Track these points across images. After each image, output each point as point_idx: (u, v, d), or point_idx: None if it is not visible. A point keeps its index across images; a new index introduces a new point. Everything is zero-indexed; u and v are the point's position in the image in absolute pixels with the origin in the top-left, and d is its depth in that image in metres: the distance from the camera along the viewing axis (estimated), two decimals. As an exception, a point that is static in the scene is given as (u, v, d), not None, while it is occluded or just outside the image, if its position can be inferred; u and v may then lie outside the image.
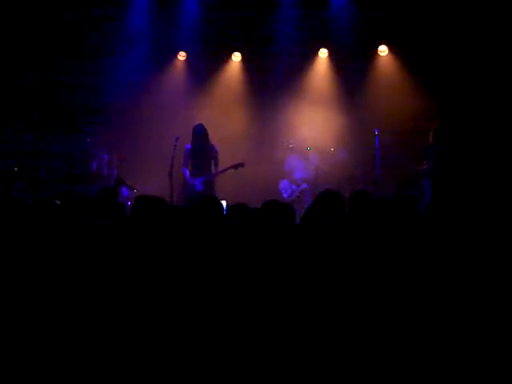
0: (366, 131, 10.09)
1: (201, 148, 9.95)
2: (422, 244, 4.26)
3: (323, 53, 11.32)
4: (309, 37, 10.99)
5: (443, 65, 10.52)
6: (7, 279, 4.10)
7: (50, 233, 4.47)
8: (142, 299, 3.97)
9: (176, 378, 3.76)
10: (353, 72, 10.98)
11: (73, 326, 3.89)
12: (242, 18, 10.90)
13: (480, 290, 3.89)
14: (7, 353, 3.80)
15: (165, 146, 9.92)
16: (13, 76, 10.67)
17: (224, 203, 5.64)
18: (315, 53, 11.32)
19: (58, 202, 4.98)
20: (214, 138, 10.27)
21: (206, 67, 11.25)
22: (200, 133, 9.94)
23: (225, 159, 10.19)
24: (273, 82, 11.11)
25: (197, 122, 10.16)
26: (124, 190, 9.88)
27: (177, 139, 9.67)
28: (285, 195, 10.39)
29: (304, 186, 10.40)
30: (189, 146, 9.98)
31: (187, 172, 10.04)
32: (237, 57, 11.42)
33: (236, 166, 9.94)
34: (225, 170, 9.97)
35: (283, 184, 10.52)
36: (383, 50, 11.13)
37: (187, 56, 11.35)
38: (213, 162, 10.03)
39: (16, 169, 9.79)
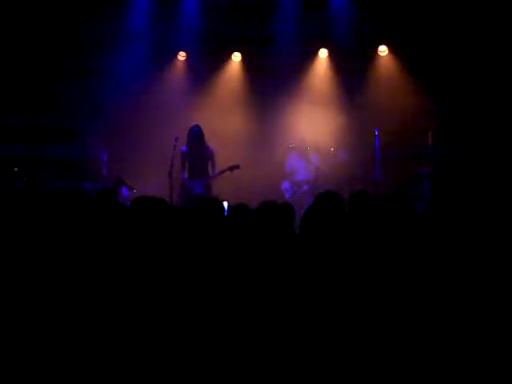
0: (366, 131, 10.10)
1: (196, 149, 9.91)
2: (421, 244, 4.26)
3: (323, 53, 11.31)
4: (309, 37, 10.99)
5: (443, 65, 10.51)
6: (7, 278, 4.10)
7: (50, 233, 4.47)
8: (142, 299, 3.97)
9: (175, 377, 3.76)
10: (353, 72, 10.98)
11: (72, 326, 3.89)
12: (242, 17, 10.90)
13: (479, 289, 3.89)
14: (7, 352, 3.80)
15: (165, 146, 9.92)
16: (13, 76, 10.67)
17: (225, 204, 5.62)
18: (315, 53, 11.32)
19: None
20: (213, 137, 10.27)
21: (206, 67, 11.24)
22: (196, 134, 9.91)
23: (225, 159, 10.18)
24: (273, 82, 11.10)
25: (194, 123, 10.15)
26: (124, 190, 9.88)
27: (177, 139, 9.66)
28: (287, 196, 10.38)
29: (305, 187, 10.39)
30: (184, 148, 9.93)
31: (185, 175, 10.01)
32: (237, 57, 11.42)
33: (231, 168, 9.91)
34: (221, 173, 9.94)
35: (285, 185, 10.50)
36: (383, 50, 11.13)
37: (187, 56, 11.35)
38: (209, 162, 10.01)
39: (16, 169, 9.78)
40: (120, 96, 10.52)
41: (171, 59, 11.32)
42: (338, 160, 10.61)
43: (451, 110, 10.47)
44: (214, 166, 10.02)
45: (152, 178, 10.01)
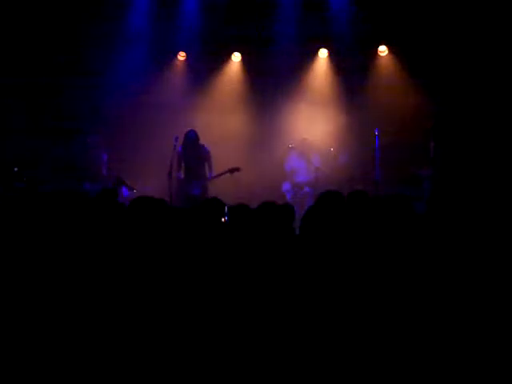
0: (366, 131, 10.09)
1: (192, 152, 9.91)
2: (420, 243, 4.26)
3: (323, 53, 11.31)
4: (309, 37, 10.99)
5: (443, 65, 10.52)
6: (7, 278, 4.10)
7: (50, 233, 4.47)
8: (141, 299, 3.97)
9: (174, 377, 3.77)
10: (353, 72, 10.98)
11: (72, 327, 3.89)
12: (242, 18, 10.90)
13: (479, 289, 3.90)
14: (6, 351, 3.81)
15: (165, 146, 9.92)
16: (13, 76, 10.66)
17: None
18: (315, 53, 11.32)
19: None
20: (213, 138, 10.27)
21: (206, 67, 11.24)
22: (191, 139, 9.92)
23: (224, 160, 10.18)
24: (273, 82, 11.11)
25: (194, 123, 10.16)
26: (124, 190, 9.88)
27: (176, 139, 9.67)
28: (288, 197, 10.37)
29: (306, 189, 10.37)
30: (180, 148, 9.93)
31: (180, 175, 10.00)
32: (237, 57, 11.41)
33: (232, 171, 9.91)
34: (220, 175, 9.94)
35: (285, 187, 10.49)
36: (383, 50, 11.13)
37: (187, 56, 11.34)
38: (206, 163, 10.01)
39: (16, 169, 9.78)
40: (120, 96, 10.52)
41: (171, 59, 11.32)
42: (339, 160, 10.61)
43: (451, 110, 10.48)
44: (210, 167, 10.02)
45: (152, 178, 10.02)
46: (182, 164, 10.00)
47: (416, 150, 10.58)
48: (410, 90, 10.69)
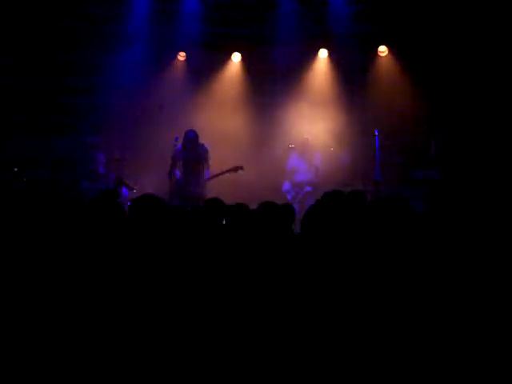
0: (366, 131, 10.10)
1: (191, 152, 9.89)
2: (419, 243, 4.26)
3: (323, 53, 11.31)
4: (309, 37, 10.99)
5: (443, 65, 10.52)
6: (7, 279, 4.10)
7: (50, 233, 4.47)
8: (141, 300, 3.97)
9: (174, 378, 3.77)
10: (353, 72, 10.98)
11: (73, 328, 3.89)
12: (242, 18, 10.91)
13: (478, 288, 3.90)
14: (6, 352, 3.81)
15: (165, 146, 9.92)
16: (12, 75, 10.67)
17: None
18: (315, 53, 11.32)
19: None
20: (213, 137, 10.26)
21: (206, 67, 11.24)
22: (191, 138, 9.89)
23: (224, 159, 10.18)
24: (273, 82, 11.11)
25: (194, 123, 10.15)
26: (124, 190, 9.88)
27: (177, 139, 9.68)
28: (289, 197, 10.37)
29: (307, 188, 10.37)
30: (180, 147, 9.92)
31: (178, 174, 9.98)
32: (237, 57, 11.41)
33: (235, 169, 9.92)
34: (224, 173, 9.94)
35: (286, 187, 10.49)
36: (383, 50, 11.13)
37: (187, 56, 11.34)
38: (204, 163, 10.00)
39: (16, 169, 9.78)
40: (120, 96, 10.51)
41: (171, 59, 11.32)
42: (339, 160, 10.61)
43: (451, 110, 10.48)
44: (208, 166, 10.00)
45: (152, 178, 10.02)
46: (181, 163, 9.97)
47: (416, 150, 10.59)
48: (410, 90, 10.68)
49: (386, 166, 9.74)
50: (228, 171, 9.94)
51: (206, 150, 9.99)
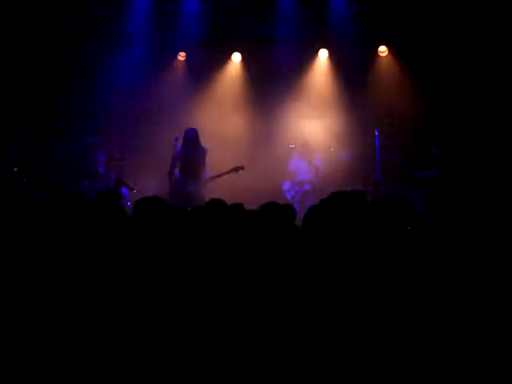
0: (366, 132, 10.10)
1: (191, 152, 9.88)
2: (419, 244, 4.27)
3: (323, 53, 11.31)
4: (309, 37, 10.99)
5: (443, 65, 10.52)
6: (7, 280, 4.10)
7: (50, 234, 4.47)
8: (143, 300, 3.97)
9: (175, 378, 3.77)
10: (353, 72, 10.98)
11: (72, 327, 3.89)
12: (242, 18, 10.91)
13: (478, 288, 3.90)
14: (6, 352, 3.81)
15: (164, 146, 9.92)
16: (12, 75, 10.67)
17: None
18: (315, 53, 11.32)
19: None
20: (213, 137, 10.26)
21: (206, 67, 11.24)
22: (191, 137, 9.88)
23: (225, 159, 10.18)
24: (273, 82, 11.11)
25: (194, 123, 10.15)
26: (124, 190, 9.88)
27: (177, 139, 9.68)
28: (288, 197, 10.38)
29: (307, 187, 10.38)
30: (180, 148, 9.91)
31: (177, 173, 9.97)
32: (237, 57, 11.41)
33: (236, 169, 9.92)
34: (225, 173, 9.93)
35: (286, 186, 10.50)
36: (383, 50, 11.13)
37: (187, 56, 11.34)
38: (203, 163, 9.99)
39: (16, 169, 9.79)
40: (120, 96, 10.52)
41: (171, 59, 11.31)
42: (339, 160, 10.61)
43: (451, 111, 10.49)
44: (205, 166, 9.98)
45: (152, 178, 10.02)
46: (180, 162, 9.95)
47: (416, 150, 10.60)
48: (410, 90, 10.68)
49: (386, 166, 9.74)
50: (229, 172, 9.94)
51: (204, 151, 9.99)
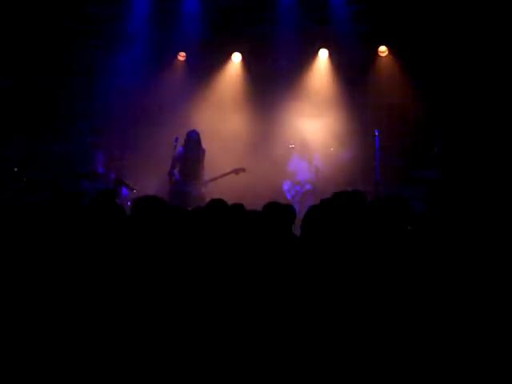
0: (366, 132, 10.10)
1: (192, 153, 9.89)
2: (419, 244, 4.27)
3: (323, 53, 11.31)
4: (309, 37, 10.99)
5: (443, 65, 10.52)
6: (6, 280, 4.09)
7: (50, 235, 4.47)
8: (142, 301, 3.97)
9: (175, 378, 3.77)
10: (353, 72, 10.97)
11: (71, 327, 3.89)
12: (242, 18, 10.91)
13: (478, 289, 3.90)
14: (6, 353, 3.81)
15: (165, 146, 9.92)
16: (12, 75, 10.67)
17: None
18: (315, 53, 11.31)
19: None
20: (213, 137, 10.27)
21: (206, 67, 11.23)
22: (193, 139, 9.89)
23: (225, 159, 10.18)
24: (273, 82, 11.11)
25: (194, 123, 10.16)
26: (124, 190, 9.88)
27: (177, 139, 9.69)
28: (289, 197, 10.38)
29: (308, 187, 10.38)
30: (181, 149, 9.91)
31: (177, 174, 9.96)
32: (237, 57, 11.41)
33: (237, 171, 9.93)
34: (225, 175, 9.94)
35: (286, 185, 10.50)
36: (383, 50, 11.13)
37: (187, 56, 11.34)
38: (202, 163, 9.99)
39: (16, 169, 9.79)
40: (120, 96, 10.52)
41: (171, 59, 11.31)
42: (339, 160, 10.61)
43: (451, 110, 10.49)
44: (203, 167, 9.99)
45: (152, 178, 10.02)
46: (181, 163, 9.96)
47: (416, 150, 10.59)
48: (410, 90, 10.68)
49: (386, 166, 9.74)
50: (230, 173, 9.95)
51: (204, 151, 10.00)
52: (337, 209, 4.55)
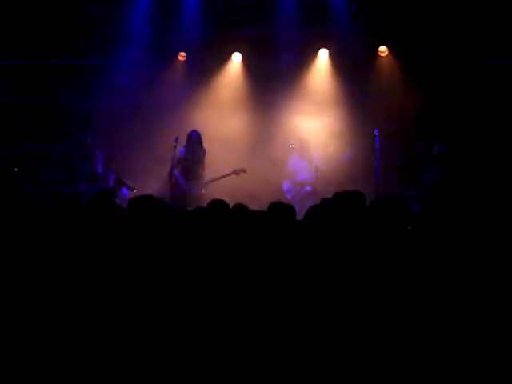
0: (366, 132, 10.09)
1: (193, 153, 9.89)
2: (419, 244, 4.27)
3: (323, 53, 11.30)
4: (309, 37, 10.98)
5: (443, 65, 10.52)
6: (7, 281, 4.09)
7: (49, 235, 4.47)
8: (142, 301, 3.96)
9: (176, 378, 3.77)
10: (353, 72, 10.96)
11: (71, 327, 3.89)
12: (242, 18, 10.90)
13: (478, 289, 3.90)
14: (6, 353, 3.81)
15: (165, 146, 9.92)
16: (12, 75, 10.67)
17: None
18: (315, 53, 11.31)
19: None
20: (213, 137, 10.26)
21: (207, 67, 11.23)
22: (195, 139, 9.90)
23: (225, 159, 10.18)
24: (273, 82, 11.10)
25: (194, 124, 10.15)
26: (124, 190, 9.88)
27: (177, 139, 9.68)
28: (289, 197, 10.37)
29: (307, 188, 10.38)
30: (183, 150, 9.92)
31: (177, 174, 9.95)
32: (237, 57, 11.40)
33: (238, 172, 9.94)
34: (225, 176, 9.94)
35: (286, 186, 10.50)
36: (383, 50, 11.12)
37: (187, 56, 11.33)
38: (203, 163, 9.98)
39: (16, 169, 9.79)
40: (120, 96, 10.51)
41: (171, 59, 11.30)
42: (339, 160, 10.61)
43: (451, 111, 10.49)
44: (204, 168, 9.99)
45: (152, 178, 10.02)
46: (182, 164, 9.96)
47: (416, 150, 10.59)
48: (410, 90, 10.68)
49: (386, 166, 9.74)
50: (230, 174, 9.95)
51: (204, 152, 10.01)
52: (337, 209, 4.55)
